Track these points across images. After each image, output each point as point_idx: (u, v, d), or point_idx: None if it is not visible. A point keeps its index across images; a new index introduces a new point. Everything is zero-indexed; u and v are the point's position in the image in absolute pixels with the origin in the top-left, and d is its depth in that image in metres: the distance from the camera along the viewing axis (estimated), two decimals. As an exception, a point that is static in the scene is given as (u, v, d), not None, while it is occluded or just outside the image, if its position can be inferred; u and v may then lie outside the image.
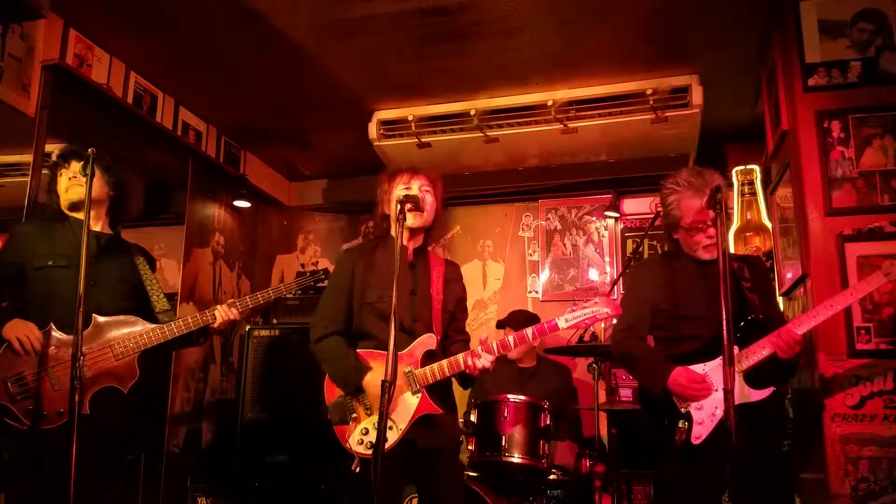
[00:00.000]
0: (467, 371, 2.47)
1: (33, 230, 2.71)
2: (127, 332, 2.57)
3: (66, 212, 2.72)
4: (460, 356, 2.48)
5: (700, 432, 2.41)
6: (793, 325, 2.41)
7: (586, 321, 2.48)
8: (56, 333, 2.49)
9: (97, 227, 2.74)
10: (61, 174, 2.72)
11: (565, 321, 2.49)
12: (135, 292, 2.72)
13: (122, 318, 2.60)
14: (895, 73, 2.95)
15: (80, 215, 2.59)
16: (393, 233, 2.63)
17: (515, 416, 3.29)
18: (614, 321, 2.79)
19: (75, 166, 2.67)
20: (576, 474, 3.50)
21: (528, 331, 2.50)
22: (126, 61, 3.90)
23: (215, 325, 2.70)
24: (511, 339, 2.50)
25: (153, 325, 2.62)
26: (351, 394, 2.52)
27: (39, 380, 2.42)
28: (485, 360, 2.45)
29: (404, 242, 2.62)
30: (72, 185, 2.68)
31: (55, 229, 2.69)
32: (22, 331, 2.43)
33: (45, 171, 2.83)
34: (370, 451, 2.42)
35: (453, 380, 2.66)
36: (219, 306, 2.71)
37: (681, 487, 2.50)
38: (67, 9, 3.44)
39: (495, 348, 2.47)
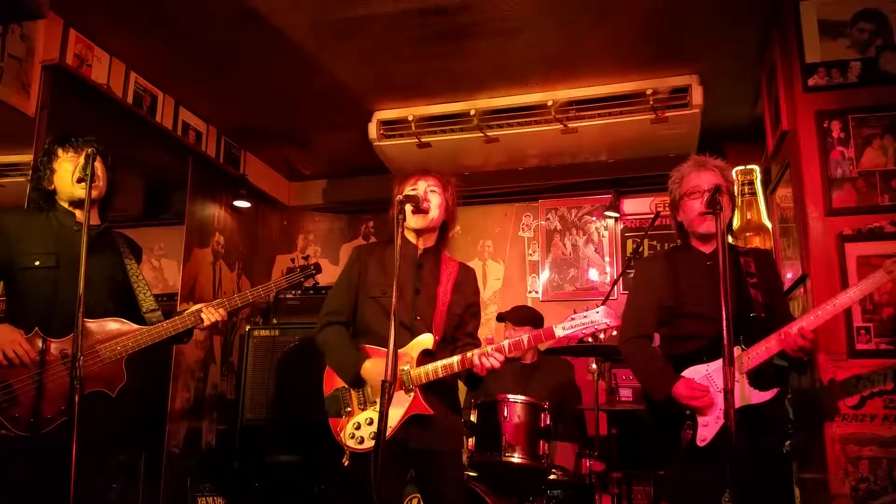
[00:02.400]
0: (475, 371, 2.45)
1: (14, 221, 2.56)
2: (113, 335, 2.50)
3: (59, 200, 2.58)
4: (453, 359, 2.46)
5: (705, 434, 2.40)
6: (795, 323, 2.40)
7: (583, 331, 2.42)
8: (41, 338, 2.40)
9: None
10: (66, 159, 2.55)
11: (562, 329, 2.44)
12: (122, 290, 2.64)
13: (108, 320, 2.52)
14: (895, 73, 2.96)
15: (71, 207, 2.56)
16: (395, 232, 2.64)
17: (515, 415, 3.29)
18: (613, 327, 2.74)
19: (83, 161, 2.47)
20: (576, 474, 3.50)
21: (525, 337, 2.47)
22: (126, 61, 3.90)
23: (203, 326, 2.63)
24: (525, 337, 2.47)
25: (139, 328, 2.55)
26: (350, 384, 2.53)
27: (27, 387, 2.34)
28: (494, 361, 2.43)
29: (413, 242, 2.66)
30: (83, 181, 2.45)
31: (39, 221, 2.56)
32: (9, 342, 2.33)
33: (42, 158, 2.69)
34: (360, 447, 2.46)
35: (460, 382, 2.66)
36: (205, 307, 2.63)
37: (683, 488, 2.50)
38: (67, 9, 3.44)
39: (506, 348, 2.45)
